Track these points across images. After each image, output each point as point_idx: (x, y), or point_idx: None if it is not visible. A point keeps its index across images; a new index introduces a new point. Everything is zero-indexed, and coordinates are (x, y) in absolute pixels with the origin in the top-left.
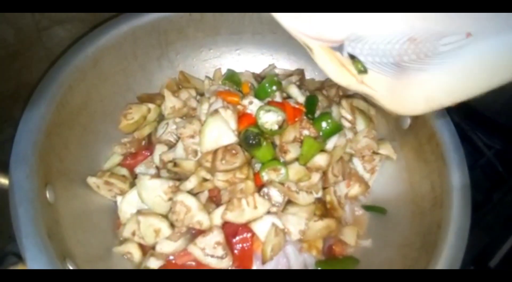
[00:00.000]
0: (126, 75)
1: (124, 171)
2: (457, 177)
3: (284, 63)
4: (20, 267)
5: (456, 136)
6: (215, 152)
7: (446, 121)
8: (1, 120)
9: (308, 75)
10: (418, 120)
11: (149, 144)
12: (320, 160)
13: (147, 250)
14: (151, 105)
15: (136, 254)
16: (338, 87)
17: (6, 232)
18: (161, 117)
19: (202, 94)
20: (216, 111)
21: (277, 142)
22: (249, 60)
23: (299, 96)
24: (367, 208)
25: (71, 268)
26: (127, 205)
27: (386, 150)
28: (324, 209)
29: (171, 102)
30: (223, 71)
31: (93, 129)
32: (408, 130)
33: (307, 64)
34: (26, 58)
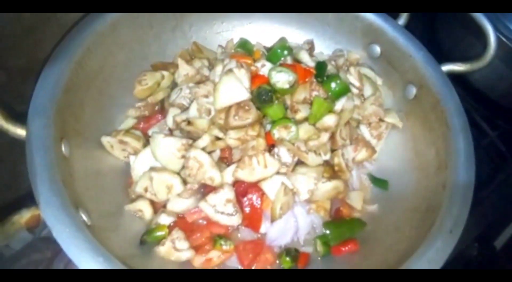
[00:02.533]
0: (141, 44)
1: (138, 133)
2: (461, 139)
3: (294, 37)
4: (34, 211)
5: (459, 103)
6: (228, 109)
7: (449, 89)
8: (13, 95)
9: (316, 50)
10: (423, 90)
11: (162, 109)
12: (329, 120)
13: (158, 208)
14: (165, 73)
15: (147, 212)
16: (347, 57)
17: (22, 177)
18: (173, 85)
19: (214, 66)
20: (230, 70)
21: (288, 102)
22: (260, 33)
23: (309, 62)
24: (372, 179)
25: (84, 217)
26: (140, 163)
27: (392, 118)
28: (332, 172)
29: (184, 70)
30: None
31: (108, 94)
32: (413, 100)
33: (317, 38)
34: (40, 34)
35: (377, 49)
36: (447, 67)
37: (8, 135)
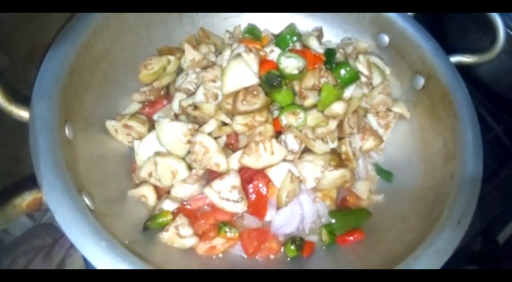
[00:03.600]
0: (148, 28)
1: (143, 117)
2: (469, 130)
3: (302, 24)
4: (35, 194)
5: (468, 94)
6: (236, 94)
7: (458, 81)
8: (16, 81)
9: (325, 38)
10: (431, 80)
11: (168, 94)
12: (338, 107)
13: (161, 194)
14: (171, 58)
15: (151, 197)
16: (355, 46)
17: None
18: (179, 71)
19: (221, 52)
20: (239, 54)
21: (297, 88)
22: (267, 20)
23: (318, 48)
24: (377, 170)
25: (87, 202)
26: (145, 148)
27: (400, 108)
28: (338, 160)
29: (191, 55)
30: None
31: (113, 78)
32: (421, 91)
33: (325, 26)
34: (43, 19)
35: (386, 38)
36: (455, 59)
37: (10, 120)
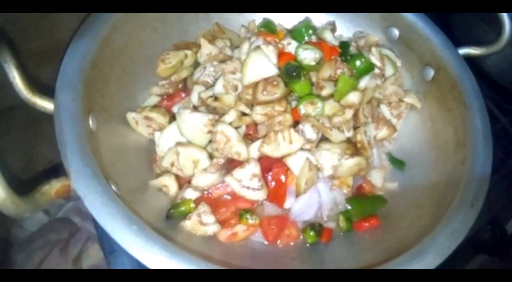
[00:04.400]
0: (164, 24)
1: (162, 109)
2: (478, 118)
3: (314, 19)
4: (64, 181)
5: (476, 84)
6: (256, 84)
7: (466, 72)
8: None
9: (337, 32)
10: (440, 72)
11: (185, 87)
12: (353, 97)
13: (182, 184)
14: (188, 52)
15: (173, 187)
16: (366, 39)
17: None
18: (196, 65)
19: (236, 47)
20: (258, 47)
21: (314, 79)
22: (281, 15)
23: (333, 40)
24: (390, 159)
25: (114, 189)
26: (166, 139)
27: (411, 98)
28: (354, 149)
29: (207, 49)
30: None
31: (132, 72)
32: (431, 82)
33: (336, 21)
34: (55, 17)
35: (396, 32)
36: (463, 51)
37: (22, 117)
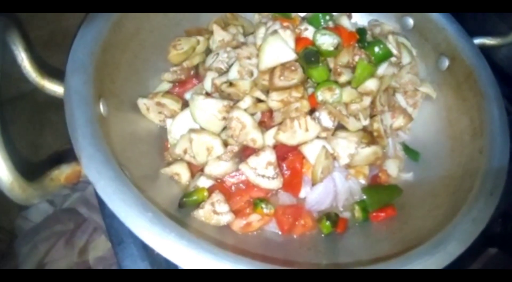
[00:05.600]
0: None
1: (175, 96)
2: (495, 107)
3: None
4: (74, 166)
5: (491, 73)
6: (272, 70)
7: (482, 61)
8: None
9: (352, 20)
10: (455, 61)
11: (197, 74)
12: (371, 84)
13: (194, 172)
14: (200, 38)
15: (185, 175)
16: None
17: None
18: (207, 52)
19: (248, 34)
20: (275, 31)
21: (331, 65)
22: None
23: (350, 26)
24: (405, 149)
25: (127, 174)
26: (178, 126)
27: (426, 88)
28: (370, 137)
29: (220, 35)
30: None
31: (143, 58)
32: (446, 72)
33: None
34: None
35: (410, 21)
36: (478, 41)
37: (27, 106)
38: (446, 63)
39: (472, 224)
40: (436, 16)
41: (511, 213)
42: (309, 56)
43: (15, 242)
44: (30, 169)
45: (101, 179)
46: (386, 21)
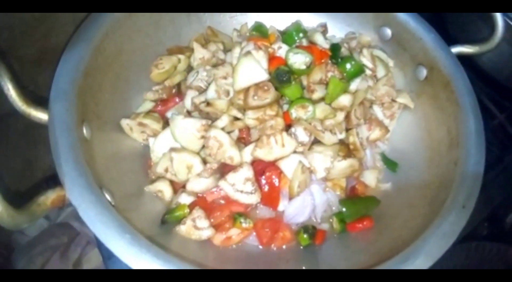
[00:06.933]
0: (157, 29)
1: (156, 115)
2: (471, 118)
3: (306, 20)
4: (58, 191)
5: (469, 83)
6: (247, 90)
7: (459, 70)
8: (24, 85)
9: (329, 33)
10: (433, 71)
11: (179, 92)
12: (344, 99)
13: (177, 189)
14: (181, 56)
15: (168, 192)
16: (358, 40)
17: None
18: (189, 69)
19: (229, 50)
20: (248, 52)
21: (304, 83)
22: (273, 18)
23: (324, 43)
24: (383, 159)
25: (108, 197)
26: (160, 145)
27: (404, 98)
28: (347, 151)
29: (200, 53)
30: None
31: (126, 78)
32: (424, 81)
33: (329, 22)
34: (51, 21)
35: (388, 31)
36: (456, 49)
37: (20, 122)
38: (424, 73)
39: (442, 238)
40: (413, 26)
41: (496, 217)
42: (281, 75)
43: (12, 256)
44: (20, 191)
45: (83, 203)
46: (364, 32)
